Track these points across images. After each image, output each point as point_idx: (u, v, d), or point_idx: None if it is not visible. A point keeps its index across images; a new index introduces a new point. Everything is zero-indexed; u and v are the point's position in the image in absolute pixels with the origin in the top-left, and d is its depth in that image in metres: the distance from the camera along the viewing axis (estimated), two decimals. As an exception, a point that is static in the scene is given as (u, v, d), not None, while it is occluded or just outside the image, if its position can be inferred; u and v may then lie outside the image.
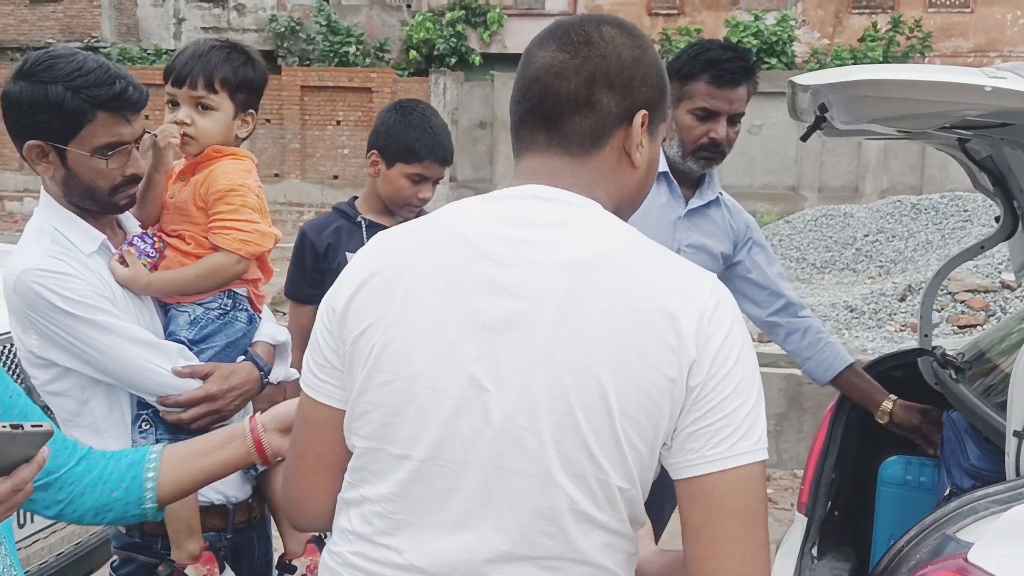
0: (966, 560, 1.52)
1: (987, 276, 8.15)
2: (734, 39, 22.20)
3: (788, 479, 5.47)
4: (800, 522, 2.74)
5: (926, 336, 2.74)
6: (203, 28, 28.38)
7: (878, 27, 23.17)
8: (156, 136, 2.00)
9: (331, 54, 25.81)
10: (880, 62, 21.78)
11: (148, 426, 1.94)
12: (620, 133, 1.27)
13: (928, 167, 18.81)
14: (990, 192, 2.75)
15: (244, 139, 2.16)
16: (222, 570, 2.01)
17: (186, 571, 1.94)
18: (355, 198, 2.85)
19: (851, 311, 8.55)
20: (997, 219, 2.78)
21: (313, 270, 2.70)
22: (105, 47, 27.17)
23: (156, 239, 2.04)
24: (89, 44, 27.28)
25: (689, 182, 2.72)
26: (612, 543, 1.22)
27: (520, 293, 1.19)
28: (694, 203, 2.71)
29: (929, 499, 2.50)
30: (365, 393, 1.25)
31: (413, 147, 2.67)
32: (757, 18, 22.76)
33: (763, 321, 2.87)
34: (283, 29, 27.04)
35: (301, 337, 2.18)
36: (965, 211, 11.63)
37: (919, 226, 11.64)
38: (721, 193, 2.78)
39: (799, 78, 1.94)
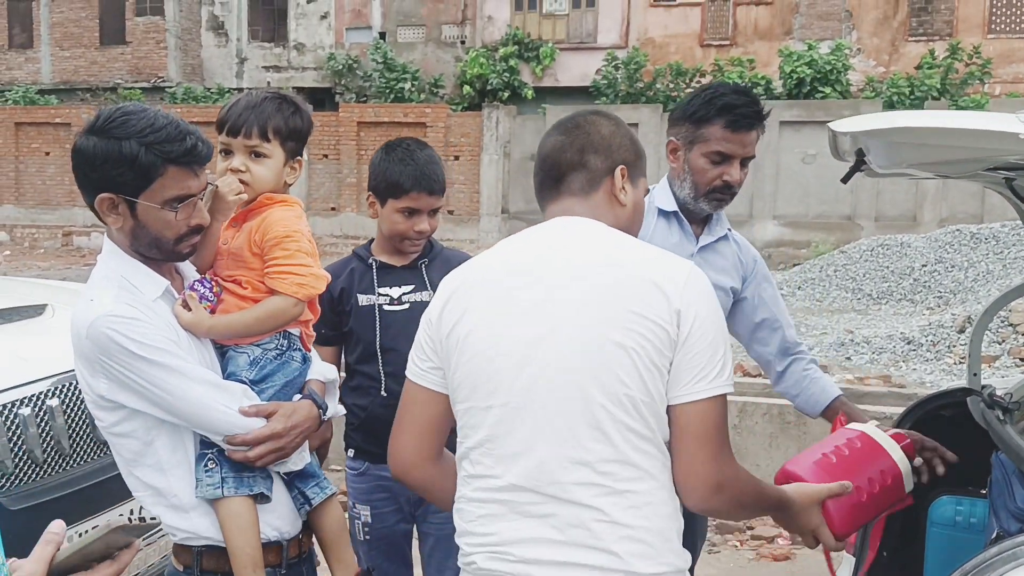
0: (1006, 607, 1.52)
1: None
2: (787, 68, 22.11)
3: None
4: (848, 563, 2.72)
5: (975, 375, 2.72)
6: (264, 67, 29.07)
7: (935, 54, 22.88)
8: (218, 187, 2.09)
9: (387, 90, 26.25)
10: (938, 90, 21.50)
11: (214, 465, 2.01)
12: (607, 181, 1.87)
13: (988, 195, 18.47)
14: (1039, 229, 2.73)
15: (291, 184, 2.26)
16: None
17: None
18: (370, 241, 2.91)
19: (908, 343, 8.43)
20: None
21: (330, 311, 2.73)
22: (171, 87, 27.94)
23: (214, 283, 2.13)
24: (155, 84, 28.07)
25: (698, 220, 2.77)
26: (643, 447, 1.67)
27: (553, 282, 1.73)
28: (704, 240, 2.76)
29: (979, 540, 2.47)
30: (458, 369, 1.77)
31: (397, 181, 2.72)
32: (811, 47, 22.62)
33: (763, 360, 2.88)
34: (341, 67, 27.60)
35: None
36: (1027, 240, 11.41)
37: (979, 256, 11.44)
38: (730, 229, 2.84)
39: (836, 124, 1.96)
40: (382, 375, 2.75)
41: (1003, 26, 24.37)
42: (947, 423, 2.79)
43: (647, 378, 1.65)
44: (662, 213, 2.73)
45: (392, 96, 26.00)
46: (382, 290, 2.80)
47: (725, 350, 1.71)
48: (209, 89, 27.98)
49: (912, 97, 21.32)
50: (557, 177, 1.87)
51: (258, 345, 2.13)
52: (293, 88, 27.03)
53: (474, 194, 22.96)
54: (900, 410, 2.97)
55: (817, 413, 2.82)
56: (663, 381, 1.67)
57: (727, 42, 25.69)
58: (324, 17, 28.68)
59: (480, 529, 1.75)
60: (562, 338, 1.69)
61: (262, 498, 2.05)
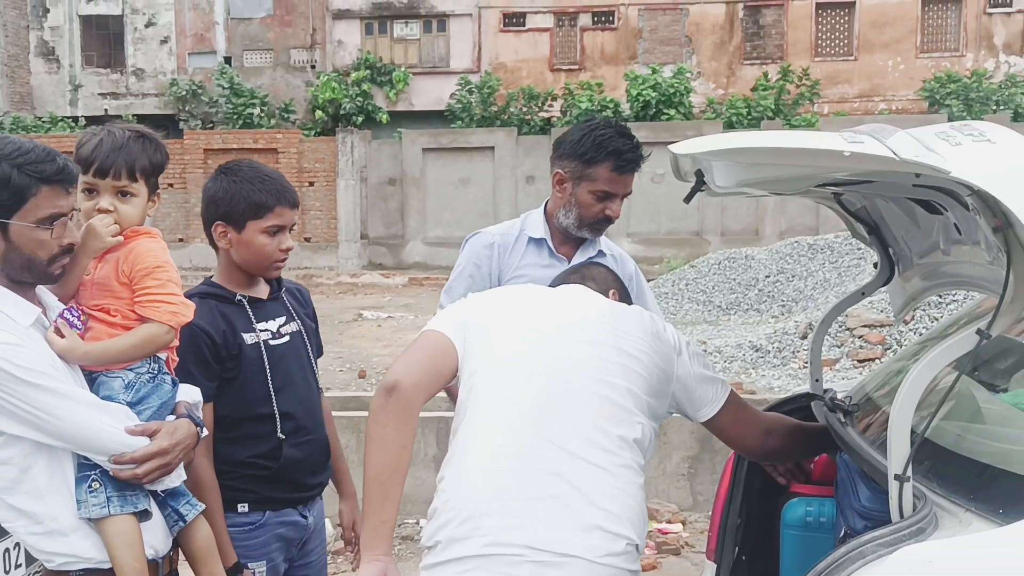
0: (854, 603, 1.60)
1: (882, 311, 8.48)
2: (633, 92, 22.83)
3: (703, 521, 5.56)
4: (710, 568, 2.80)
5: (816, 380, 2.85)
6: (101, 94, 27.97)
7: (769, 77, 24.08)
8: (95, 225, 2.15)
9: (235, 116, 25.68)
10: (772, 110, 22.60)
11: (98, 485, 2.04)
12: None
13: (823, 208, 19.50)
14: (867, 240, 2.89)
15: (150, 216, 2.32)
16: None
17: None
18: (210, 279, 2.70)
19: (757, 351, 8.79)
20: (875, 265, 2.92)
21: (214, 361, 2.51)
22: (-2, 116, 26.55)
23: (80, 312, 2.17)
24: (-19, 113, 26.61)
25: (571, 242, 3.02)
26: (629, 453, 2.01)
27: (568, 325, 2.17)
28: (578, 259, 2.97)
29: (829, 539, 2.58)
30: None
31: (259, 200, 2.55)
32: (655, 71, 23.44)
33: None
34: (184, 93, 26.84)
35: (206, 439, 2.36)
36: (859, 249, 12.09)
37: (817, 265, 12.07)
38: (601, 250, 3.09)
39: (676, 147, 2.03)
40: (277, 415, 2.56)
41: (829, 50, 25.89)
42: (794, 427, 2.91)
43: (636, 374, 2.17)
44: (532, 240, 2.99)
45: (241, 122, 25.45)
46: (261, 325, 2.61)
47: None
48: (40, 118, 26.69)
49: (749, 117, 22.37)
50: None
51: (131, 369, 2.18)
52: (133, 116, 26.10)
53: (331, 220, 22.66)
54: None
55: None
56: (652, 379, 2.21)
57: (576, 66, 26.34)
58: (164, 41, 27.87)
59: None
60: (580, 352, 2.15)
61: (144, 515, 2.10)
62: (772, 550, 2.82)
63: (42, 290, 2.16)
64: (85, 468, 2.05)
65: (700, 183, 2.34)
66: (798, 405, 2.97)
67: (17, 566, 3.16)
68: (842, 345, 8.35)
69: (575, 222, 2.93)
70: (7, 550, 3.10)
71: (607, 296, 2.34)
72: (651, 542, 4.99)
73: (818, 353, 2.91)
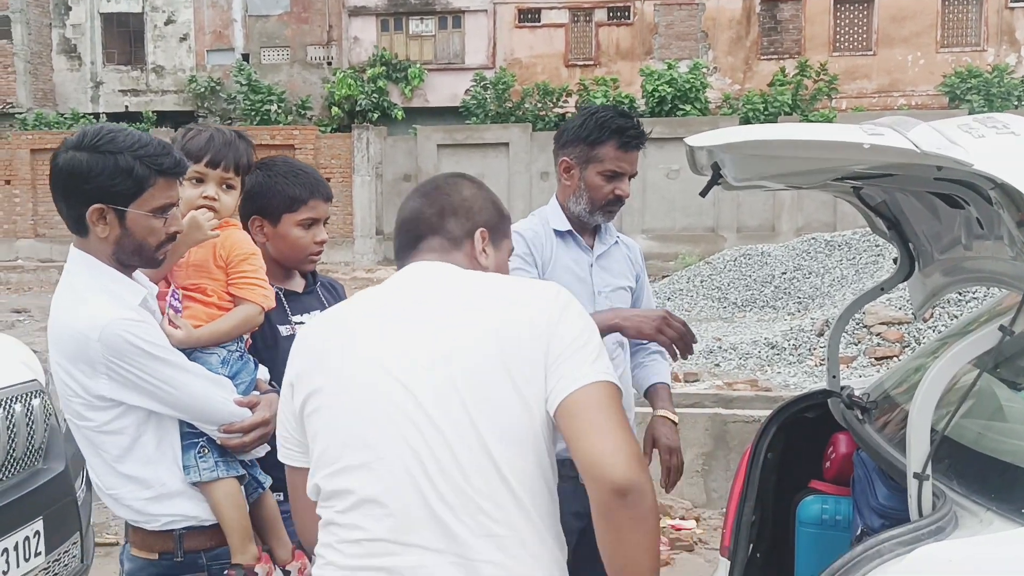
0: (872, 602, 1.57)
1: (900, 308, 8.41)
2: (649, 87, 22.75)
3: (718, 518, 5.53)
4: (724, 566, 2.77)
5: (834, 377, 2.82)
6: (122, 91, 28.10)
7: (786, 72, 23.93)
8: (198, 218, 2.33)
9: (252, 112, 25.75)
10: (789, 106, 22.47)
11: (207, 451, 2.22)
12: (468, 244, 1.84)
13: (840, 204, 19.39)
14: (887, 235, 2.85)
15: None
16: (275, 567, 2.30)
17: (256, 570, 2.21)
18: None
19: (772, 348, 8.73)
20: (895, 261, 2.88)
21: (251, 350, 2.56)
22: (20, 113, 26.68)
23: (181, 293, 2.37)
24: (4, 110, 26.75)
25: (589, 232, 3.03)
26: (533, 485, 1.62)
27: (421, 324, 1.68)
28: (599, 249, 3.03)
29: (845, 538, 2.55)
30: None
31: (294, 193, 2.62)
32: (670, 67, 23.33)
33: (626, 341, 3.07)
34: (203, 89, 26.93)
35: None
36: (877, 246, 12.00)
37: (834, 262, 11.98)
38: (619, 235, 3.15)
39: (692, 139, 2.00)
40: None
41: (847, 44, 25.70)
42: (811, 424, 2.89)
43: (525, 392, 1.69)
44: (558, 233, 2.97)
45: (258, 118, 25.52)
46: (296, 318, 2.66)
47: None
48: (63, 115, 26.85)
49: (766, 113, 22.25)
50: (415, 238, 1.83)
51: (224, 347, 2.35)
52: (153, 112, 26.20)
53: (347, 216, 22.70)
54: (768, 412, 3.05)
55: (642, 391, 3.20)
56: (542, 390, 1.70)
57: (591, 62, 26.25)
58: (184, 39, 27.96)
59: None
60: (442, 375, 1.65)
61: (242, 479, 2.29)
62: (787, 548, 2.79)
63: (137, 272, 2.31)
64: (191, 436, 2.23)
65: (717, 176, 2.31)
66: (815, 402, 2.94)
67: (37, 554, 3.20)
68: (860, 343, 8.28)
69: (587, 207, 2.94)
70: (27, 538, 3.14)
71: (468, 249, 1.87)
72: (665, 538, 4.96)
73: (835, 350, 2.88)
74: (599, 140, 2.88)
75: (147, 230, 2.15)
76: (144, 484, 2.19)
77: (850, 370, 7.66)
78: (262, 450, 2.34)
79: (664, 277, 15.15)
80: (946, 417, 1.82)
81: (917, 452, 1.75)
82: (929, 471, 1.74)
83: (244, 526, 2.24)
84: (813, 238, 13.11)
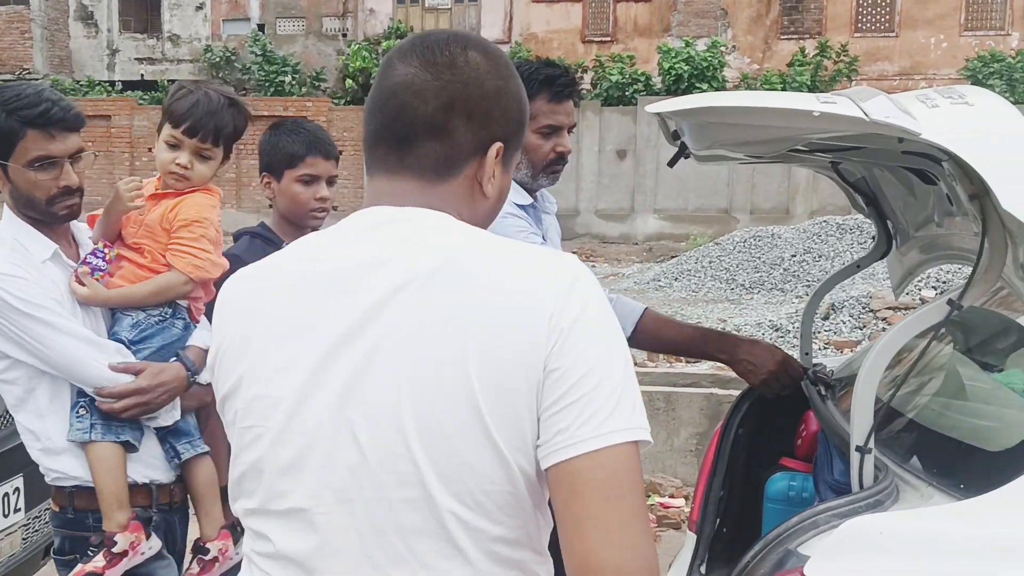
0: (802, 574, 1.56)
1: (907, 293, 8.35)
2: (666, 65, 22.57)
3: (708, 498, 5.53)
4: (691, 540, 2.77)
5: (806, 355, 2.80)
6: (137, 59, 28.13)
7: (806, 52, 23.68)
8: (119, 190, 2.28)
9: (267, 83, 25.72)
10: (808, 86, 22.26)
11: (85, 412, 2.22)
12: (474, 163, 1.24)
13: (856, 187, 19.25)
14: (866, 212, 2.83)
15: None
16: (147, 538, 2.26)
17: (115, 538, 2.18)
18: (263, 224, 2.89)
19: (776, 330, 8.70)
20: (874, 238, 2.85)
21: None
22: (37, 78, 26.78)
23: (107, 251, 2.32)
24: (21, 76, 26.85)
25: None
26: (512, 556, 1.17)
27: (374, 317, 1.15)
28: (547, 221, 2.77)
29: (809, 514, 2.55)
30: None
31: (291, 150, 2.74)
32: (688, 44, 23.12)
33: None
34: (218, 59, 26.91)
35: None
36: (888, 230, 11.90)
37: (844, 246, 11.90)
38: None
39: (653, 106, 1.98)
40: None
41: (869, 25, 25.39)
42: (785, 402, 2.87)
43: (512, 460, 1.15)
44: (521, 207, 2.64)
45: (272, 89, 25.49)
46: None
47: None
48: (79, 81, 26.91)
49: (785, 93, 22.03)
50: (403, 137, 1.23)
51: (143, 310, 2.33)
52: (168, 81, 26.23)
53: (358, 190, 22.69)
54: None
55: (629, 331, 2.76)
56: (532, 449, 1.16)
57: (608, 38, 26.05)
58: (200, 8, 27.91)
59: None
60: (393, 405, 1.15)
61: (129, 447, 2.25)
62: (755, 524, 2.79)
63: (76, 227, 2.35)
64: (80, 395, 2.23)
65: (684, 147, 2.30)
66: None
67: (16, 510, 3.24)
68: (864, 327, 8.24)
69: (529, 172, 2.66)
70: (6, 494, 3.17)
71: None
72: (653, 516, 4.96)
73: (809, 327, 2.86)
74: (528, 95, 2.65)
75: (30, 183, 2.16)
76: (35, 436, 2.24)
77: (852, 354, 7.63)
78: (169, 417, 2.32)
79: (673, 257, 15.09)
80: (892, 391, 1.81)
81: (860, 425, 1.74)
82: (872, 444, 1.73)
83: (114, 492, 2.20)
84: (824, 221, 13.03)
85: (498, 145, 1.25)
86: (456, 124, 1.22)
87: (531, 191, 2.70)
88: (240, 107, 2.43)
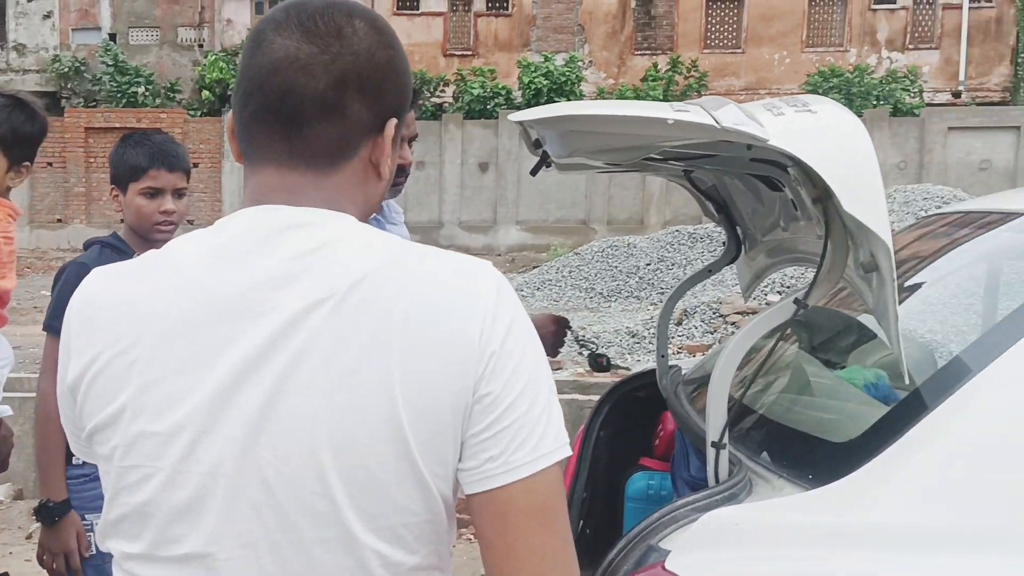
0: (663, 568, 1.60)
1: (754, 298, 8.70)
2: (526, 79, 22.90)
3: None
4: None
5: (663, 357, 2.88)
6: (-23, 68, 26.67)
7: (659, 67, 24.46)
8: None
9: (119, 94, 24.77)
10: (661, 100, 22.98)
11: None
12: (369, 143, 1.13)
13: (709, 198, 19.97)
14: (716, 219, 2.93)
15: (12, 188, 2.35)
16: None
17: None
18: (115, 234, 2.83)
19: (633, 336, 8.94)
20: (723, 245, 2.96)
21: None
22: None
23: None
24: None
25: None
26: None
27: (283, 341, 1.03)
28: (393, 230, 2.74)
29: (669, 512, 2.62)
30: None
31: (134, 162, 2.71)
32: (547, 59, 23.53)
33: None
34: (67, 69, 25.74)
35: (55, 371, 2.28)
36: (738, 238, 12.40)
37: (696, 254, 12.34)
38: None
39: (512, 115, 2.01)
40: None
41: (717, 42, 26.41)
42: (644, 403, 2.95)
43: (436, 489, 1.08)
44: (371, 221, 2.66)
45: (124, 101, 24.56)
46: None
47: None
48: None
49: (640, 108, 22.69)
50: (292, 120, 1.09)
51: None
52: (16, 92, 24.93)
53: (215, 203, 22.10)
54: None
55: None
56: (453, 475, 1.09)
57: (469, 52, 26.23)
58: (47, 17, 26.65)
59: None
60: (309, 438, 1.04)
61: None
62: (617, 524, 2.84)
63: None
64: None
65: (545, 156, 2.33)
66: (647, 381, 3.00)
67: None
68: (715, 331, 8.55)
69: None
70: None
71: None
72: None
73: (664, 330, 2.94)
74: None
75: None
76: None
77: (706, 355, 7.91)
78: None
79: (535, 268, 15.30)
80: (743, 389, 1.88)
81: (715, 422, 1.79)
82: (726, 440, 1.79)
83: None
84: (677, 230, 13.49)
85: (394, 120, 1.15)
86: (350, 101, 1.09)
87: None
88: (25, 108, 2.32)
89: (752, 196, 2.63)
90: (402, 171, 2.62)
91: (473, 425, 1.04)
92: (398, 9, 26.41)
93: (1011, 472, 1.58)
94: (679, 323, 9.03)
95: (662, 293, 11.70)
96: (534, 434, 1.05)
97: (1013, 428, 1.62)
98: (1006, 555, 1.51)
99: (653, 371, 3.00)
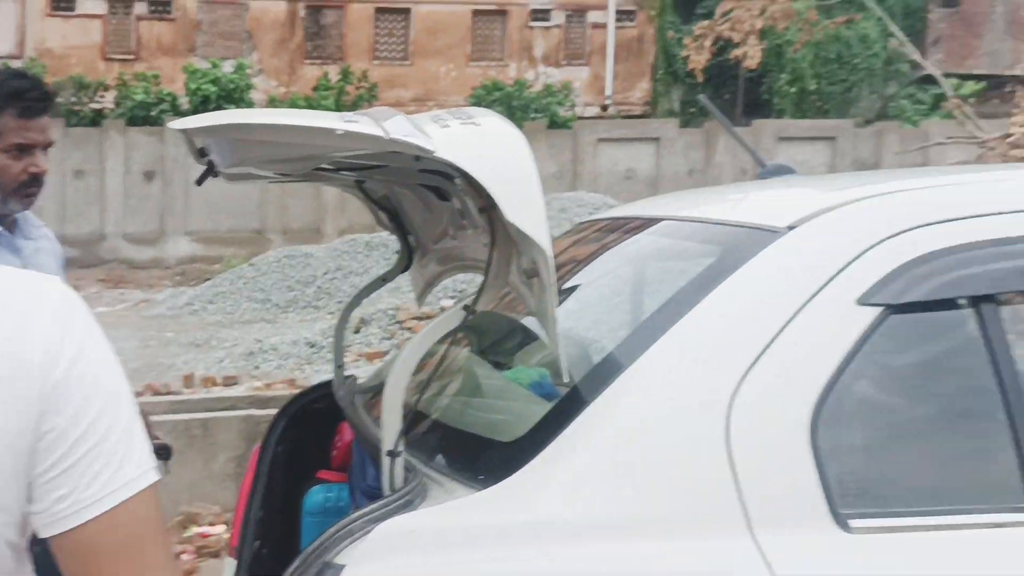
0: (339, 584, 1.59)
1: (429, 304, 8.91)
2: (193, 85, 22.02)
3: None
4: (230, 565, 2.71)
5: (339, 367, 2.87)
6: None
7: (330, 77, 24.41)
8: None
9: None
10: (334, 110, 22.96)
11: None
12: None
13: (383, 208, 20.18)
14: (389, 228, 2.96)
15: None
16: None
17: None
18: None
19: (312, 347, 8.89)
20: (397, 252, 3.00)
21: None
22: None
23: None
24: None
25: (6, 227, 2.58)
26: None
27: None
28: (29, 247, 2.61)
29: (348, 523, 2.60)
30: None
31: None
32: (215, 65, 22.77)
33: None
34: None
35: None
36: (413, 246, 12.69)
37: (372, 262, 12.46)
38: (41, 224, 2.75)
39: (175, 123, 1.92)
40: None
41: (386, 54, 26.78)
42: (321, 416, 2.91)
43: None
44: None
45: None
46: None
47: None
48: None
49: (312, 116, 22.56)
50: None
51: None
52: None
53: None
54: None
55: None
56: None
57: (131, 56, 24.79)
58: None
59: None
60: None
61: None
62: (295, 540, 2.79)
63: None
64: None
65: (212, 165, 2.24)
66: (324, 392, 2.97)
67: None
68: (392, 337, 8.68)
69: None
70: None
71: None
72: (192, 547, 4.77)
73: (340, 340, 2.94)
74: None
75: None
76: None
77: (382, 363, 7.99)
78: None
79: (207, 280, 14.73)
80: (419, 394, 1.91)
81: (390, 430, 1.80)
82: (401, 447, 1.80)
83: None
84: (353, 239, 13.54)
85: None
86: None
87: (3, 216, 2.49)
88: None
89: (422, 205, 2.68)
90: (35, 180, 2.48)
91: (38, 464, 0.95)
92: (52, 10, 24.48)
93: (659, 459, 1.72)
94: (357, 331, 9.06)
95: (340, 302, 11.68)
96: (110, 465, 0.96)
97: (660, 417, 1.76)
98: (659, 540, 1.64)
99: (331, 382, 2.98)
